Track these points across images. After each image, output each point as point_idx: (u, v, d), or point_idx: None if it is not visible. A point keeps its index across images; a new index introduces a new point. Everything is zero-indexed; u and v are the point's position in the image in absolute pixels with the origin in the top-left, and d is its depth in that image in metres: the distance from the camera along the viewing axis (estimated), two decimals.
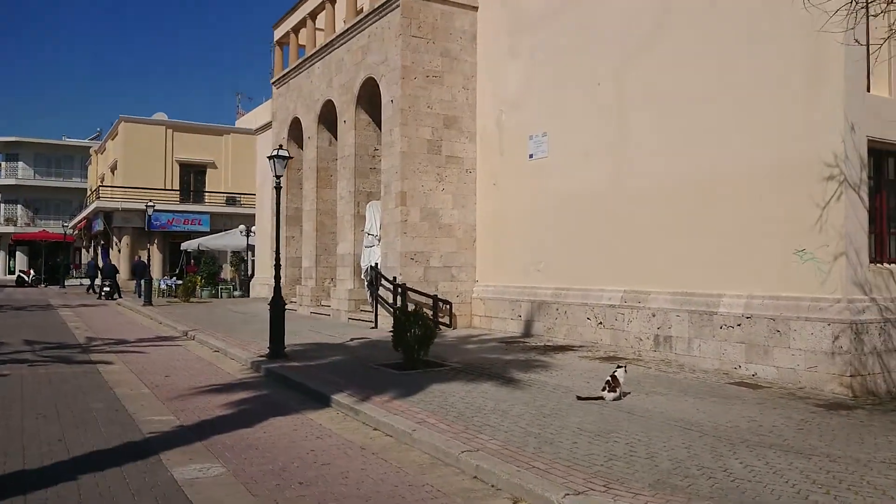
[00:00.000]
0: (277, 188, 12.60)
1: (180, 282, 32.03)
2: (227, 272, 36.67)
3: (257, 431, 7.41)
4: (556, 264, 14.38)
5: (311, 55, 21.06)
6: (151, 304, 24.43)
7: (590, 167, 13.50)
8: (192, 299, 27.45)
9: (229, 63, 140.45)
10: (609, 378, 8.49)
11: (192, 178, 43.00)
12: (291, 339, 14.48)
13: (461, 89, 16.82)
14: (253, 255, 34.89)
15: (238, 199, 42.65)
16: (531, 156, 15.11)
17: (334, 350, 13.01)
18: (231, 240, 34.22)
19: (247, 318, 19.57)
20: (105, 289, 30.68)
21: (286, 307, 16.99)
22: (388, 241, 16.51)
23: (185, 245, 35.30)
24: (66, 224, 46.81)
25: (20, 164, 63.43)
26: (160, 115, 45.88)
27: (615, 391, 8.38)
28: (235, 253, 35.82)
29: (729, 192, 10.78)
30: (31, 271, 45.92)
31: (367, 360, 11.64)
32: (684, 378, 10.03)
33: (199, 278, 28.76)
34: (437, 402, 8.35)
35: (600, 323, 13.02)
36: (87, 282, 47.25)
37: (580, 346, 12.96)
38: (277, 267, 12.58)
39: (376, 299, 16.61)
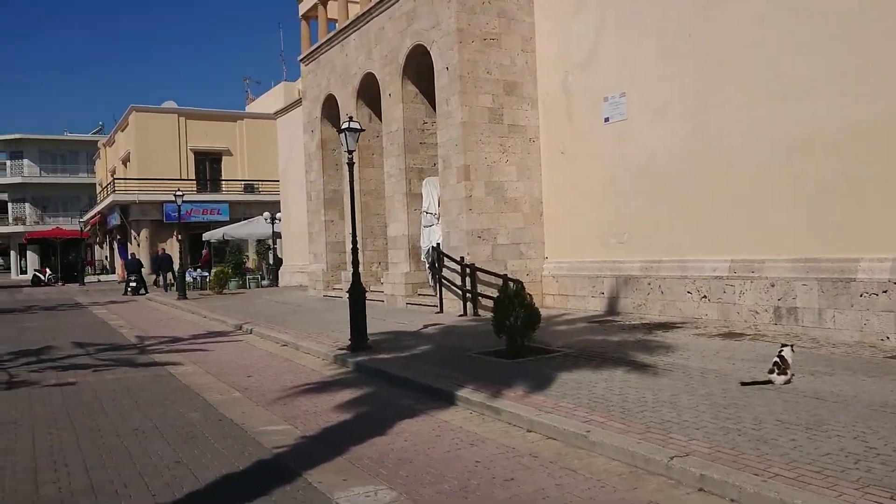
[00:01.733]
0: (350, 164, 11.50)
1: (206, 273, 31.05)
2: (249, 261, 35.63)
3: (395, 440, 6.38)
4: (643, 235, 13.30)
5: (346, 26, 19.82)
6: (186, 298, 23.40)
7: (681, 127, 12.36)
8: (224, 291, 26.40)
9: (233, 47, 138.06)
10: (776, 359, 7.42)
11: (208, 166, 41.85)
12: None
13: (520, 52, 15.62)
14: (273, 244, 33.91)
15: (256, 186, 41.49)
16: (606, 119, 13.96)
17: (415, 339, 11.98)
18: (255, 228, 33.16)
19: (293, 309, 18.55)
20: (131, 284, 29.65)
21: (327, 294, 15.93)
22: (450, 219, 15.42)
23: (207, 235, 34.22)
24: (80, 220, 45.68)
25: (25, 161, 62.26)
26: (170, 104, 44.59)
27: (785, 373, 7.33)
28: (260, 241, 34.78)
29: (863, 147, 9.66)
30: (47, 270, 44.82)
31: (459, 349, 10.62)
32: (831, 353, 8.97)
33: (229, 269, 27.69)
34: (582, 395, 7.31)
35: (704, 296, 11.95)
36: (106, 278, 46.35)
37: (683, 323, 11.90)
38: (355, 251, 11.48)
39: (440, 282, 15.55)
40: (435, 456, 5.90)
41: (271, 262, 33.51)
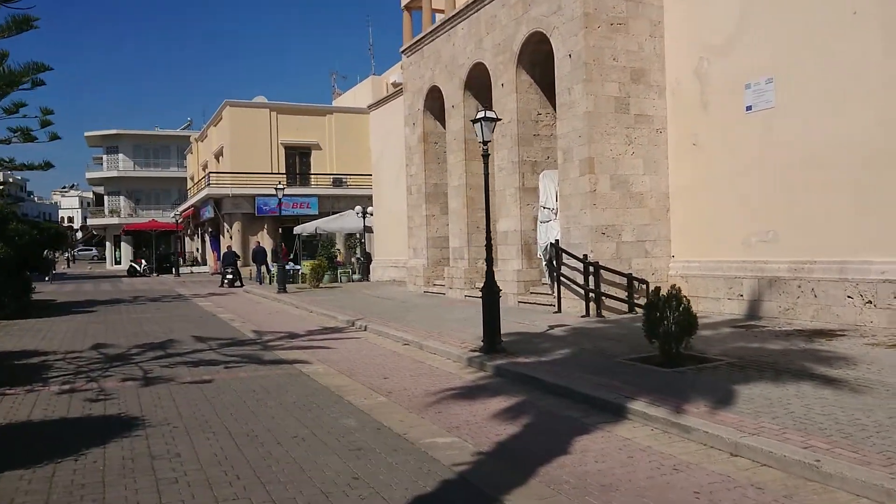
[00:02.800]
0: (485, 156, 10.89)
1: (298, 267, 31.17)
2: (339, 255, 35.68)
3: (583, 460, 5.72)
4: (792, 234, 12.22)
5: (454, 15, 19.26)
6: (286, 291, 23.39)
7: (843, 115, 11.23)
8: (319, 285, 26.36)
9: (320, 43, 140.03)
10: None
11: (298, 160, 42.19)
12: (476, 328, 12.88)
13: (648, 37, 14.70)
14: (361, 238, 33.85)
15: (345, 180, 41.60)
16: (749, 108, 12.90)
17: (546, 341, 11.29)
18: (346, 222, 33.10)
19: (398, 305, 18.15)
20: (227, 276, 30.03)
21: (428, 291, 15.34)
22: (571, 214, 14.65)
23: (298, 229, 34.40)
24: (175, 213, 46.85)
25: (120, 156, 64.48)
26: (260, 99, 45.21)
27: None
28: (350, 235, 34.77)
29: None
30: (143, 261, 46.20)
31: (603, 354, 9.88)
32: None
33: (325, 262, 27.65)
34: (778, 412, 6.47)
35: (868, 302, 10.82)
36: (198, 269, 47.54)
37: (843, 331, 10.80)
38: (489, 247, 10.88)
39: (558, 280, 14.81)
40: (640, 482, 5.20)
41: (360, 256, 33.43)
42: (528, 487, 5.13)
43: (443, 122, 21.31)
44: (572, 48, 14.43)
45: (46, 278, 30.61)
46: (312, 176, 42.00)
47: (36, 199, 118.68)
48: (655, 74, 14.73)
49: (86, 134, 63.38)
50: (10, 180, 77.28)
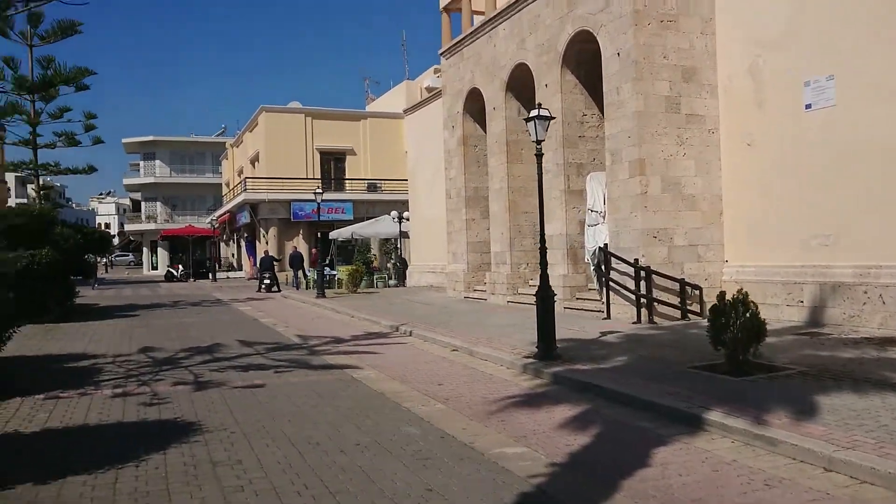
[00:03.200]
0: (539, 156, 10.60)
1: (334, 272, 31.11)
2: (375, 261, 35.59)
3: (665, 473, 5.40)
4: (856, 236, 11.72)
5: (495, 16, 19.01)
6: (325, 296, 23.29)
7: None
8: (357, 290, 26.23)
9: (352, 49, 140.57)
10: None
11: (333, 165, 42.26)
12: (525, 333, 12.60)
13: (699, 35, 14.30)
14: (397, 243, 33.72)
15: (379, 185, 41.55)
16: (808, 106, 12.44)
17: (602, 348, 10.95)
18: (381, 227, 32.99)
19: (440, 310, 17.91)
20: (265, 281, 30.08)
21: (468, 296, 15.05)
22: (620, 217, 14.28)
23: (335, 234, 34.37)
24: (212, 219, 47.23)
25: (157, 162, 65.29)
26: (295, 104, 45.42)
27: None
28: (386, 240, 34.65)
29: None
30: (179, 266, 46.62)
31: (663, 361, 9.52)
32: None
33: (363, 267, 27.53)
34: (868, 425, 6.08)
35: None
36: (234, 274, 47.86)
37: None
38: (543, 251, 10.56)
39: (607, 285, 14.44)
40: (733, 498, 4.87)
41: (396, 261, 33.30)
42: (613, 502, 4.83)
43: (482, 125, 21.07)
44: (621, 46, 14.09)
45: (91, 284, 30.78)
46: (347, 181, 42.01)
47: (74, 205, 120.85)
48: (707, 73, 14.32)
49: (123, 140, 64.27)
50: (52, 186, 78.65)
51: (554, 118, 11.82)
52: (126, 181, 67.77)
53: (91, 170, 21.00)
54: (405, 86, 43.60)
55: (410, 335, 13.94)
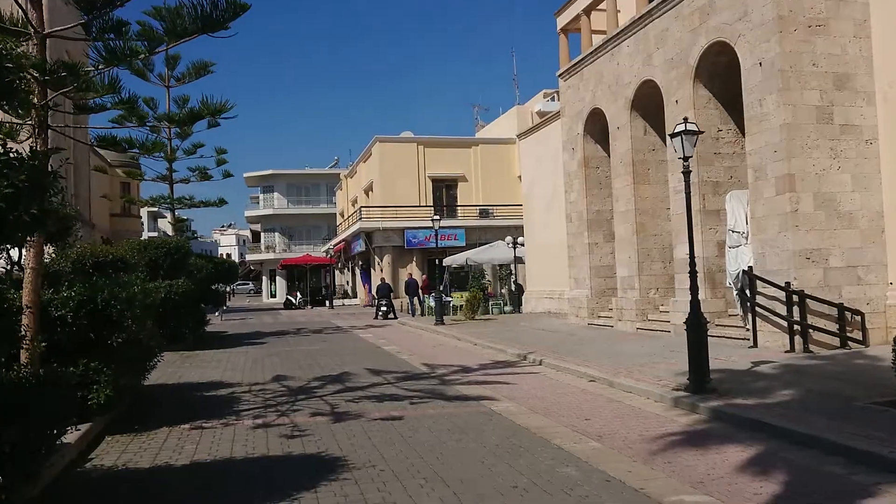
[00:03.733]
0: (686, 173, 9.87)
1: (449, 298, 30.97)
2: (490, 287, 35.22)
3: None
4: None
5: (617, 33, 18.38)
6: (443, 323, 23.09)
7: None
8: (474, 317, 25.88)
9: (461, 78, 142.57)
10: None
11: (444, 192, 42.45)
12: (666, 362, 11.79)
13: (851, 38, 13.15)
14: (512, 269, 33.18)
15: (490, 211, 41.31)
16: None
17: (758, 379, 10.01)
18: (496, 252, 32.61)
19: (566, 337, 17.23)
20: (382, 308, 30.31)
21: (592, 323, 14.36)
22: (766, 238, 13.22)
23: (447, 260, 34.31)
24: (330, 247, 48.55)
25: (275, 194, 68.10)
26: (407, 134, 46.11)
27: None
28: (501, 266, 34.25)
29: None
30: (298, 294, 48.00)
31: (837, 396, 8.53)
32: None
33: (480, 294, 27.20)
34: None
35: None
36: (349, 301, 48.87)
37: None
38: (693, 274, 9.80)
39: (753, 311, 13.36)
40: None
41: (511, 287, 32.81)
42: None
43: (604, 146, 20.38)
44: (763, 55, 13.14)
45: (218, 312, 31.88)
46: (459, 207, 42.03)
47: (199, 237, 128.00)
48: (862, 79, 13.12)
49: (245, 175, 67.44)
50: (185, 219, 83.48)
51: (702, 132, 11.04)
52: (247, 213, 70.98)
53: (222, 202, 21.88)
54: (515, 111, 43.43)
55: (540, 364, 13.37)
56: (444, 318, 24.92)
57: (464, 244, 39.07)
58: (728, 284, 14.44)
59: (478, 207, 41.60)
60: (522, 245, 31.03)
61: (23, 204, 4.28)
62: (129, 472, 6.49)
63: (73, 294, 7.71)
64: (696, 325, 9.37)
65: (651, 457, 6.68)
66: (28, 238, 5.88)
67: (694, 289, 9.72)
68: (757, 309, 13.25)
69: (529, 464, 6.46)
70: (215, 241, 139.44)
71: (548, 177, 27.17)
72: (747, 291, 13.54)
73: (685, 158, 9.75)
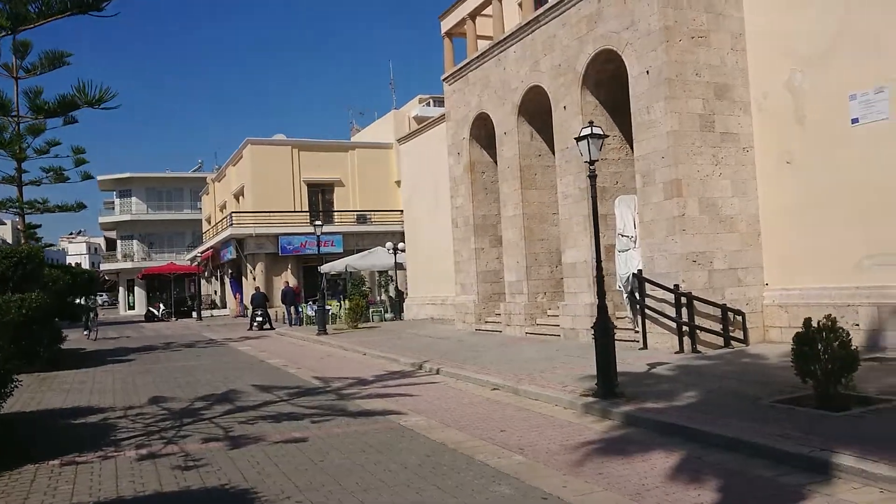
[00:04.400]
0: (592, 177, 9.83)
1: (328, 307, 30.03)
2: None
3: None
4: None
5: (504, 38, 18.43)
6: (326, 333, 22.23)
7: None
8: (357, 325, 25.16)
9: (336, 81, 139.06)
10: None
11: (320, 197, 41.32)
12: (565, 367, 11.79)
13: (729, 51, 13.78)
14: (387, 275, 32.79)
15: (368, 216, 40.66)
16: (855, 120, 11.89)
17: (660, 382, 10.15)
18: (377, 259, 32.06)
19: (457, 344, 17.01)
20: (257, 318, 28.91)
21: (479, 328, 14.37)
22: (655, 241, 13.57)
23: (325, 267, 33.32)
24: (197, 255, 45.87)
25: (133, 199, 63.83)
26: (279, 136, 44.56)
27: None
28: (381, 273, 33.70)
29: None
30: (160, 305, 45.02)
31: (741, 396, 8.73)
32: None
33: (363, 302, 26.49)
34: None
35: None
36: (217, 312, 46.36)
37: None
38: (600, 279, 9.79)
39: (642, 314, 13.67)
40: None
41: (392, 294, 32.34)
42: None
43: (490, 151, 20.41)
44: (650, 64, 13.50)
45: (89, 328, 28.18)
46: (336, 213, 41.07)
47: (46, 246, 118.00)
48: (739, 90, 13.78)
49: (98, 178, 62.61)
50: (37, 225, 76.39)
51: (607, 136, 11.09)
52: (101, 219, 66.05)
53: (80, 207, 19.87)
54: (392, 115, 43.12)
55: (437, 373, 13.00)
56: (326, 327, 24.04)
57: (341, 250, 38.18)
58: (618, 287, 14.73)
59: (355, 213, 40.85)
60: (403, 251, 30.69)
61: None
62: None
63: None
64: (604, 330, 9.32)
65: (579, 468, 6.43)
66: None
67: (601, 293, 9.70)
68: (647, 311, 13.57)
69: (458, 484, 6.02)
70: (62, 249, 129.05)
71: (429, 182, 26.97)
72: (637, 294, 13.84)
73: (591, 162, 9.73)
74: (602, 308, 9.56)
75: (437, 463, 6.75)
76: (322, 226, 24.26)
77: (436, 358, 14.44)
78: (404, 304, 30.08)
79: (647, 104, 13.66)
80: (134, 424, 9.15)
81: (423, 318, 27.60)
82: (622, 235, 14.39)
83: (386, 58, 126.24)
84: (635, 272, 13.88)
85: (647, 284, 13.57)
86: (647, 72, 13.60)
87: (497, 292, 20.18)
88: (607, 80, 15.51)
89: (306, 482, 6.20)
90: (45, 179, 19.18)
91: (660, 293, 13.27)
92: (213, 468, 6.78)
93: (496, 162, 19.92)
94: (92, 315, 28.89)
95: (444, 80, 22.04)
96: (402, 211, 40.35)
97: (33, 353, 15.00)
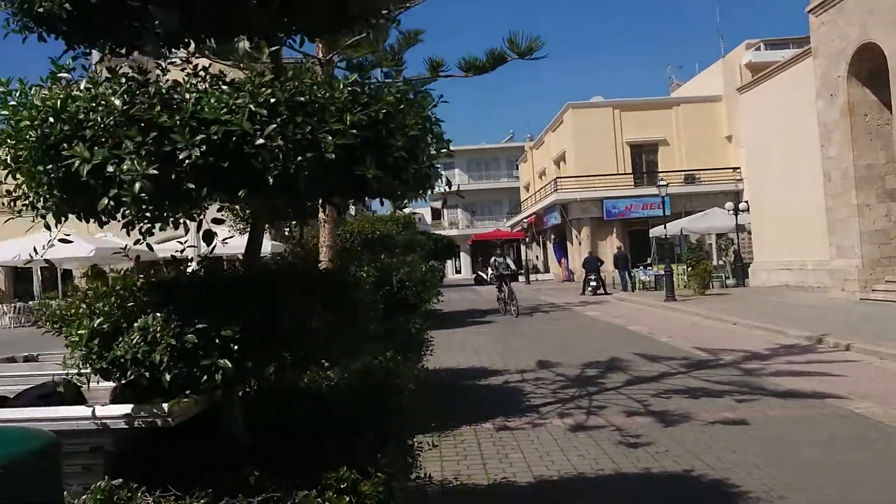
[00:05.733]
0: None
1: (661, 272, 28.63)
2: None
3: None
4: None
5: None
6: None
7: None
8: (705, 291, 23.48)
9: (645, 36, 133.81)
10: None
11: (644, 158, 39.71)
12: None
13: None
14: (727, 238, 30.19)
15: (697, 176, 38.03)
16: None
17: None
18: (715, 220, 29.77)
19: (842, 314, 14.74)
20: (591, 283, 28.66)
21: (866, 298, 11.66)
22: None
23: (655, 231, 31.86)
24: (515, 221, 47.52)
25: (456, 171, 68.20)
26: (598, 99, 43.66)
27: None
28: (720, 235, 31.34)
29: None
30: (489, 269, 47.30)
31: None
32: None
33: (710, 265, 24.75)
34: None
35: None
36: (542, 277, 47.56)
37: None
38: None
39: None
40: None
41: (732, 258, 29.83)
42: None
43: (875, 89, 17.29)
44: None
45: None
46: (661, 174, 39.11)
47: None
48: None
49: None
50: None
51: None
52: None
53: (460, 194, 21.21)
54: (720, 65, 39.59)
55: (847, 349, 11.14)
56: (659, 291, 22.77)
57: (669, 213, 36.23)
58: None
59: (682, 173, 38.42)
60: (745, 212, 28.03)
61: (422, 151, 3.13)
62: (469, 490, 5.41)
63: (369, 274, 6.82)
64: None
65: None
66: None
67: None
68: None
69: None
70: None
71: (778, 134, 24.03)
72: None
73: None
74: None
75: None
76: (667, 185, 22.93)
77: (833, 331, 12.49)
78: (749, 270, 27.49)
79: None
80: (539, 390, 9.03)
81: (775, 284, 24.87)
82: None
83: (698, 4, 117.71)
84: None
85: None
86: None
87: (888, 255, 17.13)
88: None
89: (794, 479, 5.23)
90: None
91: None
92: (659, 448, 6.16)
93: (884, 102, 16.78)
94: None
95: (809, 11, 19.13)
96: (735, 168, 37.17)
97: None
